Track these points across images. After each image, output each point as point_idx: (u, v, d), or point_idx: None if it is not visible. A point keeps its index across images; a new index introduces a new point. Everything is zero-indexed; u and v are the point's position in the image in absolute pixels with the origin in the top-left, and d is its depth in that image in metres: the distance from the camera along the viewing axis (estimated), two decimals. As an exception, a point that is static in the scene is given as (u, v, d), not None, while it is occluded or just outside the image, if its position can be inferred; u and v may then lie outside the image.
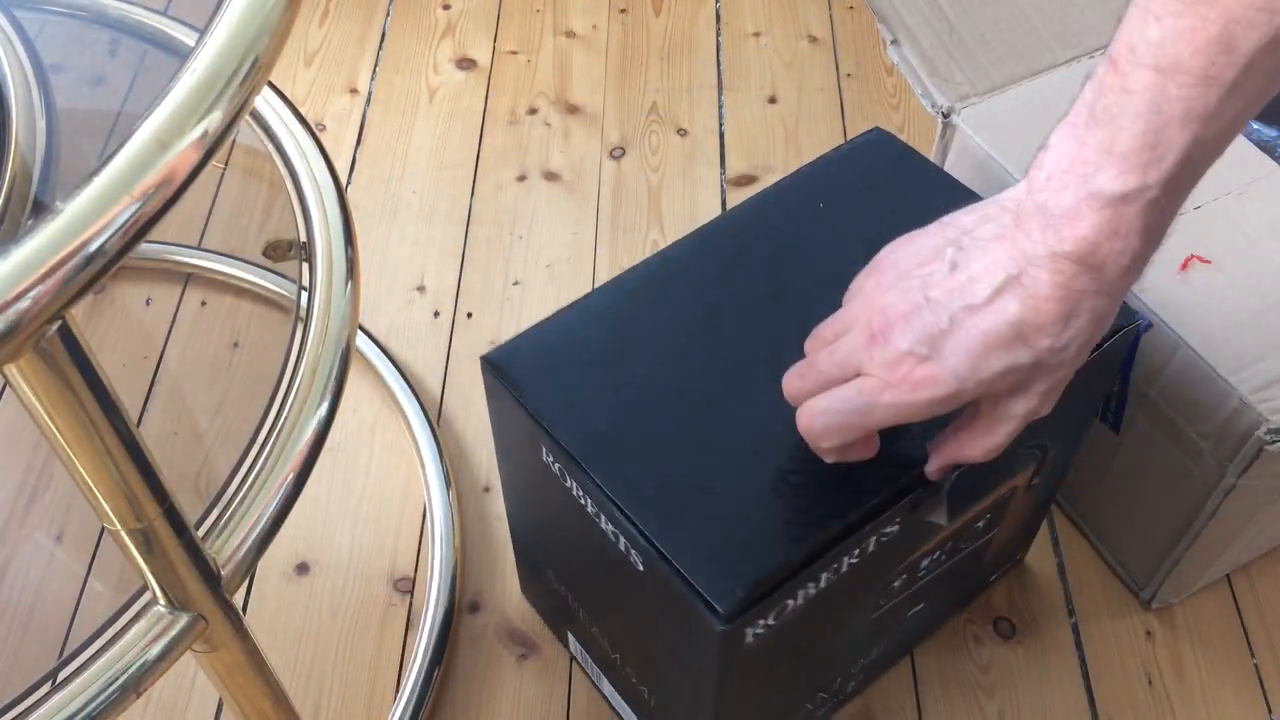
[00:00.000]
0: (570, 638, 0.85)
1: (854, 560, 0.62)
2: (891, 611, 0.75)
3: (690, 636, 0.60)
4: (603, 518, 0.61)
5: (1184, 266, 0.78)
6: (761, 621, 0.59)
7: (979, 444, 0.56)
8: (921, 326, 0.51)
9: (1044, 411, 0.54)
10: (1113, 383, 0.79)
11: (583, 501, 0.63)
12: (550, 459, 0.64)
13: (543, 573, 0.81)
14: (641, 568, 0.60)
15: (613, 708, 0.84)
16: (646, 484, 0.60)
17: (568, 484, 0.63)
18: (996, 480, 0.70)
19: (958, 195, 0.72)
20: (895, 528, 0.62)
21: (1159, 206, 0.48)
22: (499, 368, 0.65)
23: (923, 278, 0.52)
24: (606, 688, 0.83)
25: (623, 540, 0.60)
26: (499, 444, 0.73)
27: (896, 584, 0.71)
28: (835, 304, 0.59)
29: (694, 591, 0.57)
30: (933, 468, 0.60)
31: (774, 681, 0.69)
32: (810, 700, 0.77)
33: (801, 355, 0.59)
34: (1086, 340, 0.51)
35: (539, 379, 0.64)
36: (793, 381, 0.58)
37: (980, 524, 0.74)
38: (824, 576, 0.60)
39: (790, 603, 0.59)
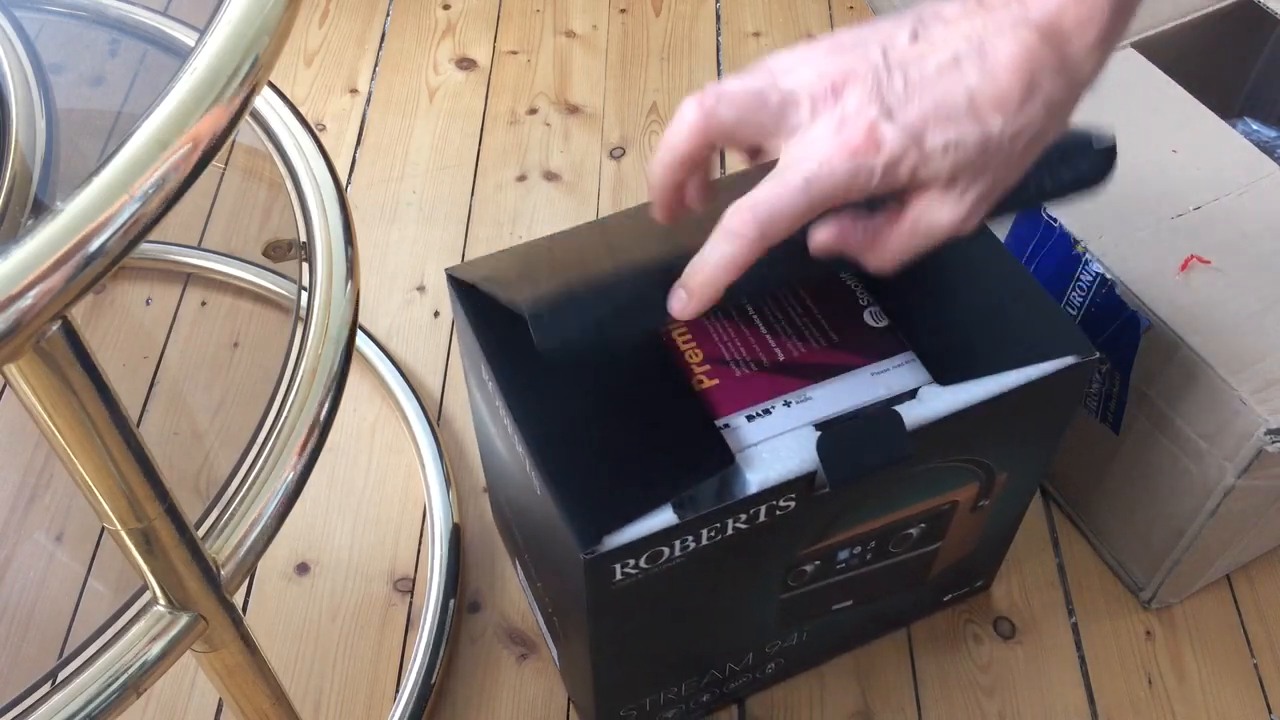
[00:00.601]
0: (517, 567, 0.86)
1: (741, 526, 0.63)
2: (809, 599, 0.75)
3: (570, 566, 0.62)
4: (517, 439, 0.63)
5: (1184, 267, 0.78)
6: (632, 562, 0.60)
7: (883, 248, 0.51)
8: (875, 85, 0.47)
9: (966, 227, 0.50)
10: (1111, 384, 0.79)
11: (506, 422, 0.65)
12: (487, 377, 0.66)
13: (496, 495, 0.84)
14: (538, 491, 0.62)
15: (546, 642, 0.86)
16: (557, 412, 0.63)
17: (497, 404, 0.66)
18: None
19: None
20: (791, 504, 0.63)
21: None
22: (460, 282, 0.68)
23: (881, 42, 0.48)
24: (541, 622, 0.84)
25: (529, 462, 0.62)
26: (463, 360, 0.76)
27: (808, 569, 0.72)
28: None
29: (566, 516, 0.59)
30: (820, 237, 0.52)
31: (660, 636, 0.71)
32: (717, 668, 0.79)
33: None
34: (1038, 132, 0.48)
35: (489, 300, 0.66)
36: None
37: (913, 531, 0.74)
38: (705, 534, 0.62)
39: (665, 550, 0.61)
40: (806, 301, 0.69)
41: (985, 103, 0.47)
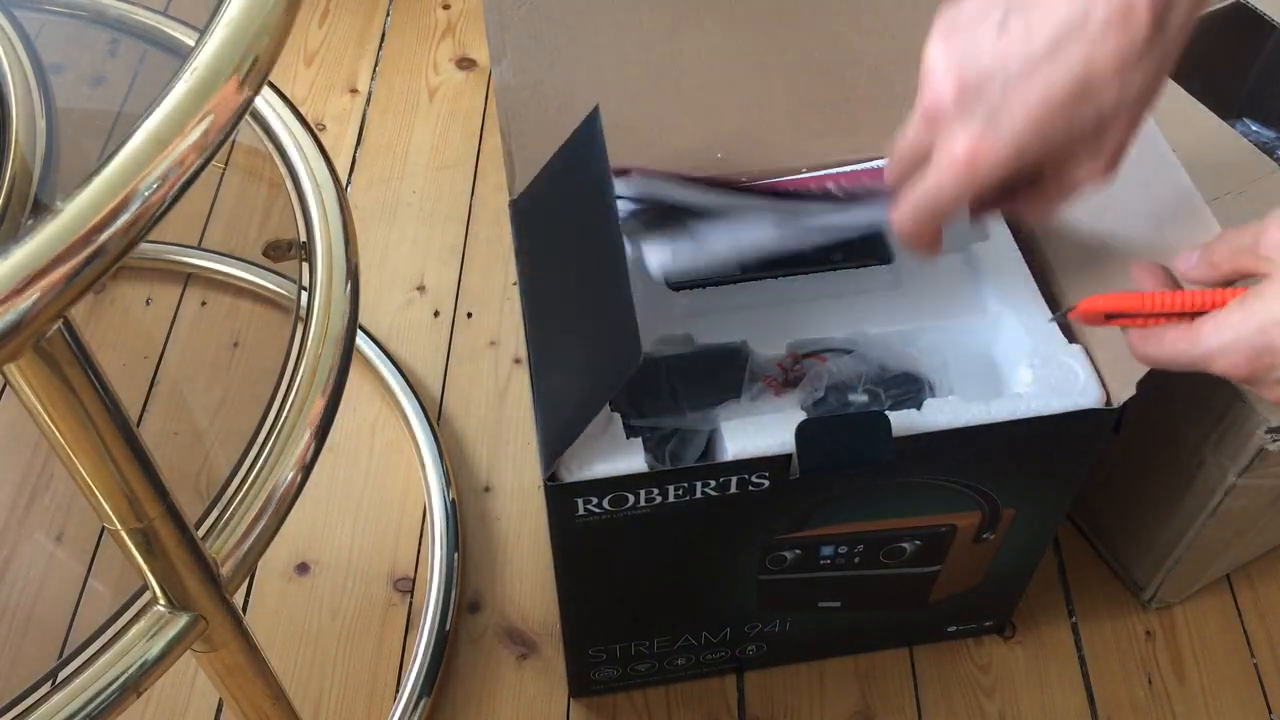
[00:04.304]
0: None
1: (712, 493, 0.64)
2: (790, 588, 0.76)
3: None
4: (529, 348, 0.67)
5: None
6: (595, 500, 0.63)
7: (1035, 208, 0.56)
8: (973, 99, 0.50)
9: (1109, 177, 0.53)
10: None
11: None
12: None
13: None
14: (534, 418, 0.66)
15: None
16: (564, 342, 0.65)
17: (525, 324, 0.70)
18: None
19: None
20: (764, 482, 0.64)
21: None
22: (520, 209, 0.73)
23: (970, 45, 0.51)
24: None
25: (530, 381, 0.66)
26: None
27: (788, 556, 0.72)
28: None
29: (540, 440, 0.62)
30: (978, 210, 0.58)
31: (629, 584, 0.74)
32: (691, 634, 0.80)
33: None
34: (1145, 88, 0.49)
35: (538, 221, 0.71)
36: (889, 168, 0.59)
37: (906, 546, 0.74)
38: (671, 490, 0.63)
39: (630, 497, 0.63)
40: None
41: (1096, 81, 0.48)
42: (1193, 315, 0.53)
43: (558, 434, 0.61)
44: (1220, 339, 0.51)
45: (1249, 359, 0.50)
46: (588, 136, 0.65)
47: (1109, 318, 0.55)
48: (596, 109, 0.63)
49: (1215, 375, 0.52)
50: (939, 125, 0.53)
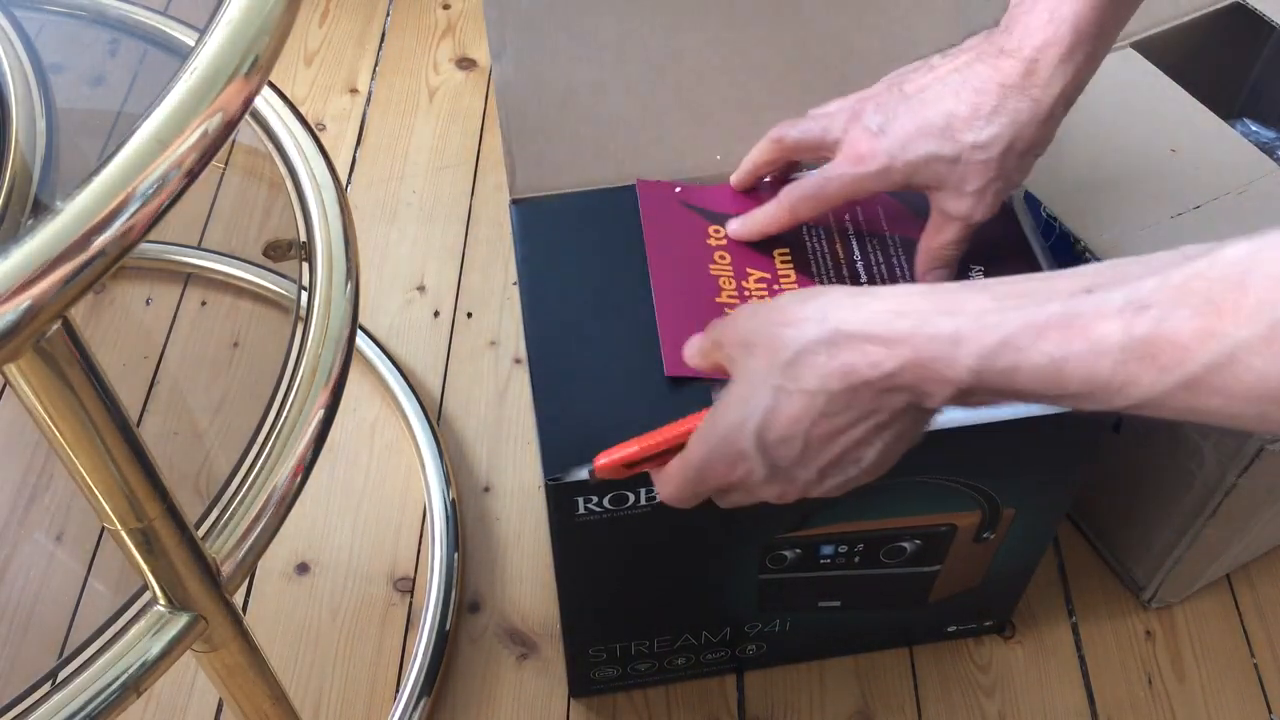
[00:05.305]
0: None
1: None
2: (790, 588, 0.76)
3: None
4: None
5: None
6: (595, 499, 0.63)
7: (928, 239, 0.64)
8: (885, 106, 0.61)
9: (976, 216, 0.61)
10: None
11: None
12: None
13: None
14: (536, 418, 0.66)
15: None
16: (565, 340, 0.66)
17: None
18: None
19: None
20: None
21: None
22: (523, 212, 0.73)
23: (901, 77, 0.62)
24: None
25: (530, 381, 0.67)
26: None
27: (788, 555, 0.73)
28: None
29: (540, 440, 0.63)
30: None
31: (629, 583, 0.74)
32: (690, 633, 0.80)
33: None
34: (1008, 143, 0.58)
35: (539, 221, 0.73)
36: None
37: (906, 545, 0.74)
38: None
39: (630, 495, 0.63)
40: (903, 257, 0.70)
41: (958, 124, 0.58)
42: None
43: (578, 446, 0.61)
44: (701, 455, 0.52)
45: (730, 468, 0.51)
46: (626, 207, 0.69)
47: (628, 467, 0.57)
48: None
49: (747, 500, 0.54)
50: (852, 117, 0.63)
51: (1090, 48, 0.57)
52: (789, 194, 0.66)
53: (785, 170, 0.71)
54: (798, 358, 0.47)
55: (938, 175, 0.60)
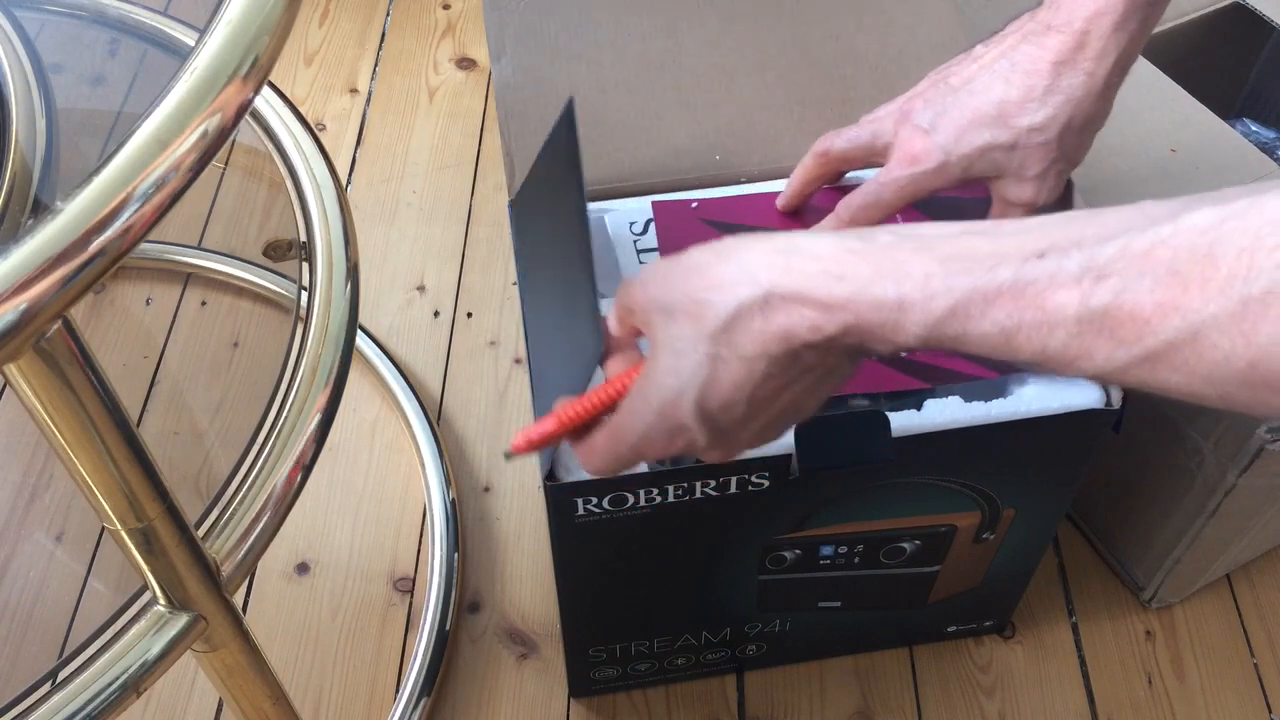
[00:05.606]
0: None
1: (712, 493, 0.64)
2: (790, 588, 0.76)
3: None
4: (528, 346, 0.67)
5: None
6: (595, 500, 0.63)
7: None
8: (933, 102, 0.59)
9: (1041, 201, 0.60)
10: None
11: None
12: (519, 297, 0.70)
13: None
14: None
15: None
16: (555, 341, 0.64)
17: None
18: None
19: None
20: (764, 482, 0.64)
21: None
22: (518, 208, 0.72)
23: (945, 72, 0.61)
24: None
25: (530, 381, 0.66)
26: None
27: (788, 556, 0.73)
28: None
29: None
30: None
31: (629, 584, 0.74)
32: (690, 634, 0.80)
33: None
34: (1066, 121, 0.57)
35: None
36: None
37: (906, 546, 0.74)
38: (671, 490, 0.63)
39: (629, 497, 0.63)
40: None
41: (1011, 108, 0.57)
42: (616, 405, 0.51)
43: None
44: (638, 431, 0.49)
45: (669, 440, 0.49)
46: (565, 131, 0.63)
47: (548, 440, 0.53)
48: (571, 103, 0.61)
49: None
50: (901, 119, 0.61)
51: (1144, 13, 0.55)
52: (846, 205, 0.64)
53: (833, 182, 0.70)
54: (732, 323, 0.45)
55: (996, 164, 0.59)
